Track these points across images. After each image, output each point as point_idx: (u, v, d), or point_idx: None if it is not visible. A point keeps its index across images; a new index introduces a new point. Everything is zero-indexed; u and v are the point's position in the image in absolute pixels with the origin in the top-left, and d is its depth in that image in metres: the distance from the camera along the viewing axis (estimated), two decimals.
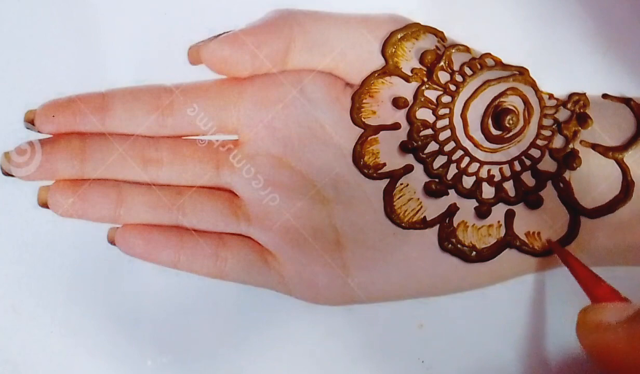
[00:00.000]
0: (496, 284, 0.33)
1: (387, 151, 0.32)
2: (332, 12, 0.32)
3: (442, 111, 0.32)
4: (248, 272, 0.32)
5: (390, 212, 0.32)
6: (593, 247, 0.32)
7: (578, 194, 0.32)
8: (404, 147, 0.32)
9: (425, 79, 0.32)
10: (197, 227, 0.33)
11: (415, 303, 0.33)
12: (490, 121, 0.32)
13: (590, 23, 0.34)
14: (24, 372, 0.34)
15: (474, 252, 0.32)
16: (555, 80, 0.33)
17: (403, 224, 0.32)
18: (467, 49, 0.32)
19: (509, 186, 0.32)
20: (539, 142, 0.32)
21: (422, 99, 0.32)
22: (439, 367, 0.34)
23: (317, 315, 0.34)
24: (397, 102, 0.32)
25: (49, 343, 0.34)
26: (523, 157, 0.32)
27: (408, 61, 0.32)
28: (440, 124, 0.32)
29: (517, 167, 0.32)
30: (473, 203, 0.32)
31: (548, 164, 0.32)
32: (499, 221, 0.32)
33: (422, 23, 0.32)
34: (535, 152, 0.32)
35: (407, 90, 0.32)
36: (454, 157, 0.32)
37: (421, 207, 0.32)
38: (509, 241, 0.32)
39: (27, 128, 0.32)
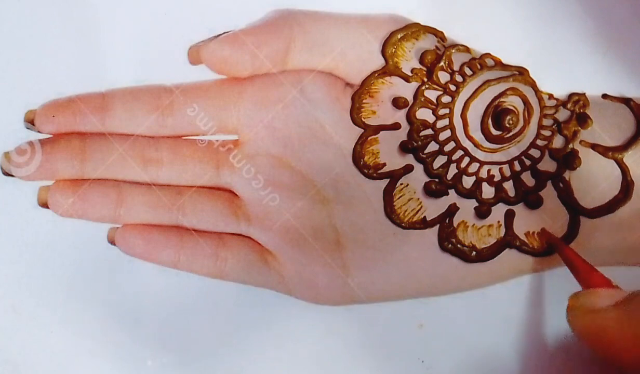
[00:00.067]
0: (496, 284, 0.33)
1: (387, 151, 0.32)
2: (332, 12, 0.32)
3: (442, 111, 0.32)
4: (248, 272, 0.33)
5: (390, 212, 0.32)
6: (593, 247, 0.32)
7: (578, 194, 0.32)
8: (404, 147, 0.32)
9: (425, 79, 0.32)
10: (197, 227, 0.33)
11: (415, 303, 0.33)
12: (490, 121, 0.32)
13: (590, 23, 0.34)
14: (24, 372, 0.34)
15: (474, 252, 0.32)
16: (555, 80, 0.33)
17: (403, 224, 0.32)
18: (467, 49, 0.32)
19: (509, 186, 0.32)
20: (539, 142, 0.32)
21: (422, 99, 0.32)
22: (439, 367, 0.34)
23: (317, 315, 0.34)
24: (397, 102, 0.32)
25: (49, 343, 0.34)
26: (523, 157, 0.32)
27: (408, 61, 0.32)
28: (440, 124, 0.32)
29: (517, 167, 0.32)
30: (473, 203, 0.32)
31: (548, 164, 0.32)
32: (498, 221, 0.32)
33: (422, 23, 0.32)
34: (535, 152, 0.32)
35: (407, 91, 0.32)
36: (454, 157, 0.32)
37: (421, 207, 0.32)
38: (508, 241, 0.32)
39: (27, 128, 0.32)
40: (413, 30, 0.32)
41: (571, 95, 0.33)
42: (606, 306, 0.28)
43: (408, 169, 0.32)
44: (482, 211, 0.32)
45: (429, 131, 0.32)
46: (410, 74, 0.32)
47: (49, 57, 0.34)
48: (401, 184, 0.32)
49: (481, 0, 0.35)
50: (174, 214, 0.32)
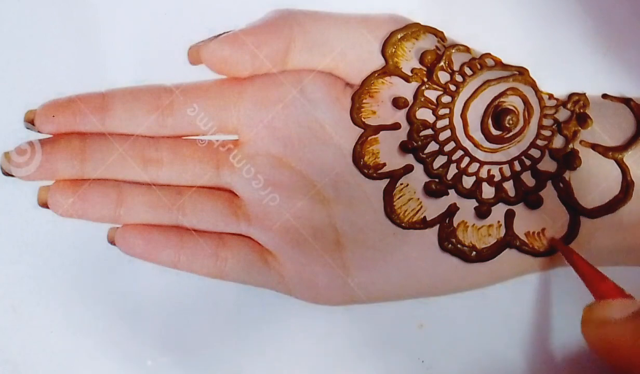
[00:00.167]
0: (496, 284, 0.33)
1: (387, 151, 0.32)
2: (332, 12, 0.32)
3: (442, 111, 0.32)
4: (248, 272, 0.32)
5: (390, 212, 0.32)
6: (593, 247, 0.32)
7: (578, 194, 0.32)
8: (404, 147, 0.32)
9: (425, 79, 0.32)
10: (197, 227, 0.33)
11: (415, 303, 0.33)
12: (490, 121, 0.32)
13: (590, 23, 0.34)
14: (24, 372, 0.34)
15: (474, 252, 0.32)
16: (555, 80, 0.33)
17: (403, 224, 0.32)
18: (467, 49, 0.32)
19: (509, 186, 0.32)
20: (539, 142, 0.32)
21: (422, 99, 0.32)
22: (439, 367, 0.34)
23: (317, 315, 0.34)
24: (397, 102, 0.32)
25: (49, 343, 0.34)
26: (523, 157, 0.32)
27: (408, 61, 0.32)
28: (440, 124, 0.32)
29: (517, 167, 0.32)
30: (473, 203, 0.32)
31: (548, 164, 0.32)
32: (499, 221, 0.32)
33: (422, 23, 0.33)
34: (535, 152, 0.32)
35: (407, 91, 0.32)
36: (454, 157, 0.32)
37: (421, 207, 0.32)
38: (509, 241, 0.32)
39: (27, 128, 0.32)
40: (413, 30, 0.32)
41: (571, 95, 0.33)
42: (620, 318, 0.28)
43: (408, 169, 0.32)
44: (482, 211, 0.32)
45: (429, 131, 0.32)
46: (410, 74, 0.32)
47: (49, 57, 0.34)
48: (401, 184, 0.32)
49: (481, 0, 0.35)
50: (174, 214, 0.32)
